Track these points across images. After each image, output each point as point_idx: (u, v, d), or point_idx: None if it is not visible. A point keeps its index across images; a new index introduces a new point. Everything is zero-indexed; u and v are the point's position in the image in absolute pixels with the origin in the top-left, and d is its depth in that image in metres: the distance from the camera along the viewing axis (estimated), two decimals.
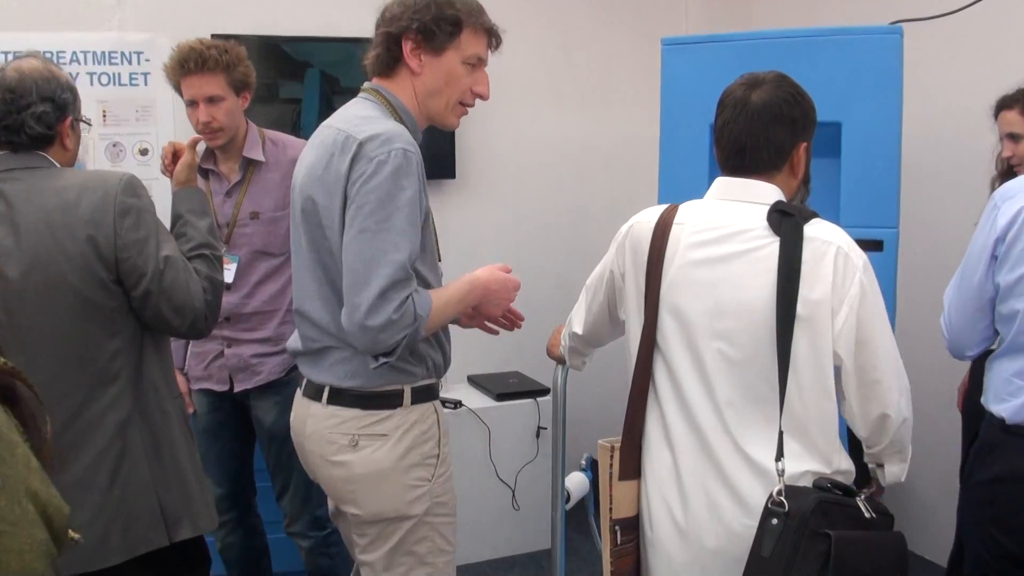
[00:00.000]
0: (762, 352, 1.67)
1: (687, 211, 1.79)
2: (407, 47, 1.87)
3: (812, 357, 1.66)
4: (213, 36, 3.28)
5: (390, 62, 1.90)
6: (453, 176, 3.76)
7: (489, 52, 1.95)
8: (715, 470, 1.69)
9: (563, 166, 4.10)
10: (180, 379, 2.77)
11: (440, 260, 2.02)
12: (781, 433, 1.63)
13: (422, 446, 1.90)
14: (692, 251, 1.74)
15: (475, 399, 3.63)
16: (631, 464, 1.80)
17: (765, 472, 1.65)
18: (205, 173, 2.69)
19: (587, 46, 4.09)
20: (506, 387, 3.69)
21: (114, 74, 3.47)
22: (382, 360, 1.80)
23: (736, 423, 1.68)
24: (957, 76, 3.22)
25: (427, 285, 1.89)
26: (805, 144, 1.79)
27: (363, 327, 1.73)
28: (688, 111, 2.86)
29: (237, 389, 2.71)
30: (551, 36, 4.03)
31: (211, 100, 2.54)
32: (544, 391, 3.64)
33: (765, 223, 1.69)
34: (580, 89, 4.10)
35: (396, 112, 1.89)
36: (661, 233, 1.77)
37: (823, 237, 1.68)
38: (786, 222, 1.67)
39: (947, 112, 3.25)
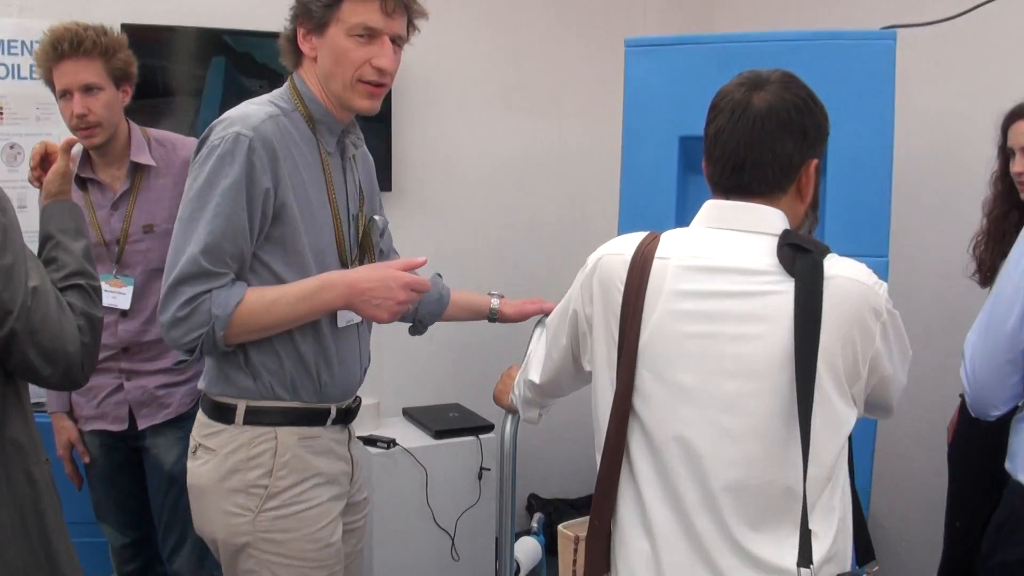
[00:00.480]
0: (772, 424, 1.35)
1: (672, 242, 1.46)
2: (300, 34, 1.78)
3: (830, 424, 1.36)
4: (125, 26, 2.92)
5: (293, 52, 1.81)
6: (389, 188, 3.39)
7: (392, 19, 1.75)
8: (707, 569, 1.36)
9: (511, 179, 3.74)
10: (66, 423, 2.39)
11: (354, 262, 1.86)
12: (807, 530, 1.30)
13: (246, 472, 1.75)
14: (680, 294, 1.41)
15: (411, 437, 3.27)
16: (599, 557, 1.46)
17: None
18: (83, 184, 2.32)
19: (538, 47, 3.75)
20: (445, 423, 3.33)
21: (12, 66, 3.05)
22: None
23: (734, 512, 1.35)
24: (945, 87, 2.95)
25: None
26: (816, 162, 1.48)
27: (159, 322, 1.70)
28: (654, 120, 2.54)
29: (142, 426, 2.36)
30: (498, 36, 3.68)
31: (87, 89, 2.21)
32: (487, 427, 3.29)
33: (773, 259, 1.38)
34: (530, 95, 3.76)
35: (302, 101, 1.79)
36: (640, 269, 1.44)
37: (846, 274, 1.38)
38: (802, 259, 1.36)
39: (935, 125, 2.98)
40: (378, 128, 3.33)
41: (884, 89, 2.37)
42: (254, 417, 1.76)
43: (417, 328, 2.20)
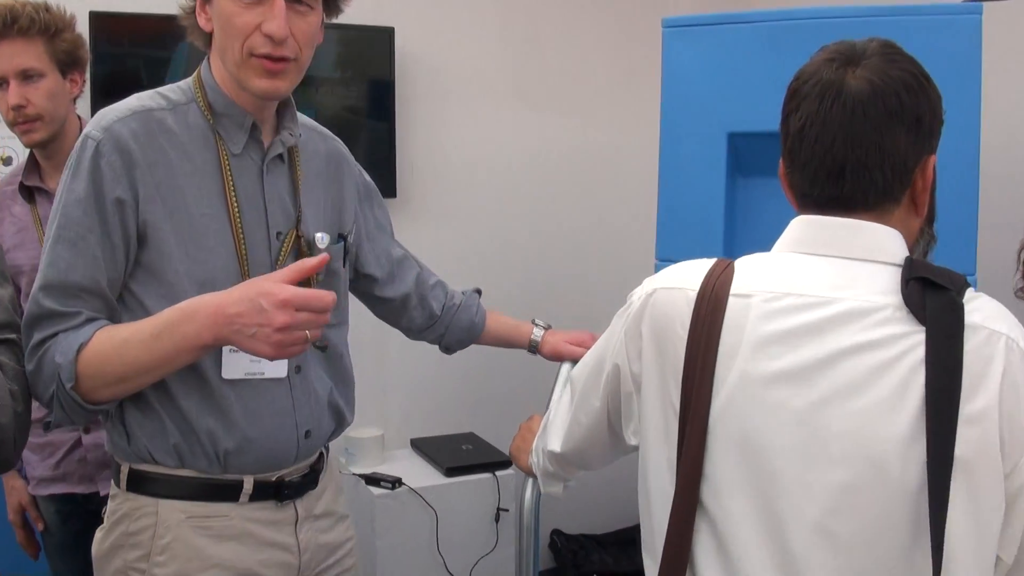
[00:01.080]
0: (892, 528, 0.99)
1: (752, 274, 1.11)
2: (198, 6, 1.43)
3: (972, 530, 0.99)
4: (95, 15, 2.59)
5: (200, 31, 1.45)
6: (394, 195, 3.02)
7: None
8: None
9: (530, 183, 3.37)
10: (16, 484, 2.06)
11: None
12: None
13: (126, 551, 1.43)
14: (768, 347, 1.05)
15: (419, 474, 2.90)
16: None
17: None
18: (30, 194, 1.98)
19: (557, 34, 3.38)
20: (458, 457, 2.97)
21: None
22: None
23: None
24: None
25: None
26: (933, 159, 1.12)
27: None
28: (698, 114, 2.17)
29: (104, 492, 1.97)
30: (512, 22, 3.31)
31: (25, 76, 1.87)
32: (505, 463, 2.93)
33: (895, 298, 1.03)
34: (550, 87, 3.38)
35: (203, 90, 1.45)
36: (710, 311, 1.08)
37: (989, 324, 1.02)
38: (934, 297, 1.01)
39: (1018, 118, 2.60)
40: (380, 127, 2.98)
41: (969, 76, 1.99)
42: (136, 484, 1.44)
43: (447, 351, 1.92)
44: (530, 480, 1.65)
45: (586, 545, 3.44)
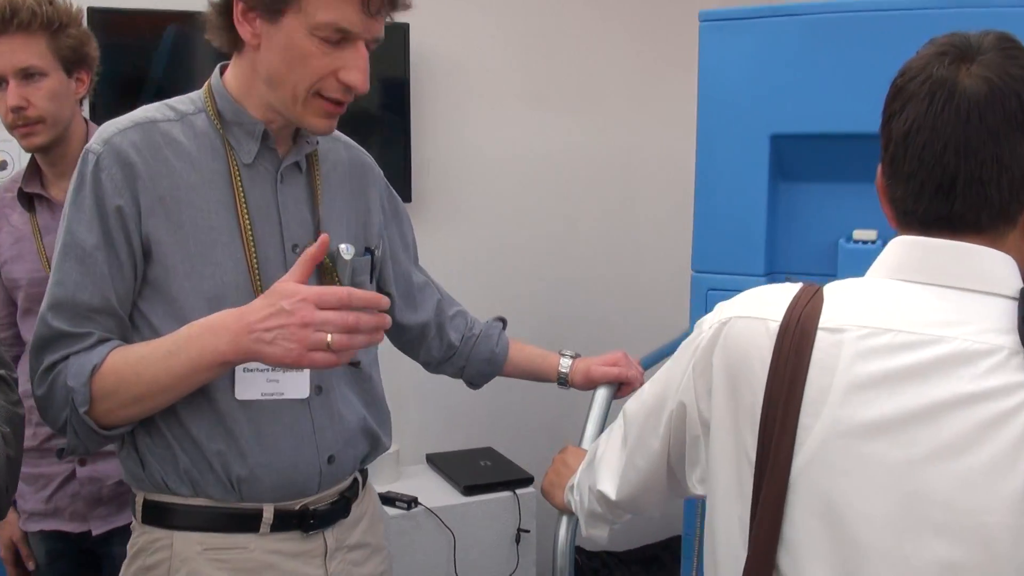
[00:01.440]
0: None
1: (844, 303, 0.96)
2: (239, 9, 1.29)
3: None
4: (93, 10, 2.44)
5: (228, 33, 1.33)
6: (408, 199, 2.86)
7: (374, 19, 1.29)
8: None
9: (551, 185, 3.21)
10: (9, 517, 1.92)
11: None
12: None
13: None
14: (864, 392, 0.90)
15: (435, 493, 2.76)
16: None
17: None
18: (30, 202, 1.85)
19: (579, 29, 3.21)
20: (476, 475, 2.82)
21: None
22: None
23: None
24: None
25: None
26: None
27: None
28: (738, 114, 2.02)
29: (97, 531, 1.86)
30: (531, 17, 3.15)
31: (25, 75, 1.73)
32: (526, 480, 2.79)
33: (1011, 338, 0.88)
34: (571, 86, 3.22)
35: (212, 97, 1.36)
36: (796, 347, 0.94)
37: None
38: None
39: None
40: (394, 127, 2.83)
41: None
42: (152, 515, 1.36)
43: (471, 385, 1.78)
44: (564, 518, 1.49)
45: (608, 563, 3.29)
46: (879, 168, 1.05)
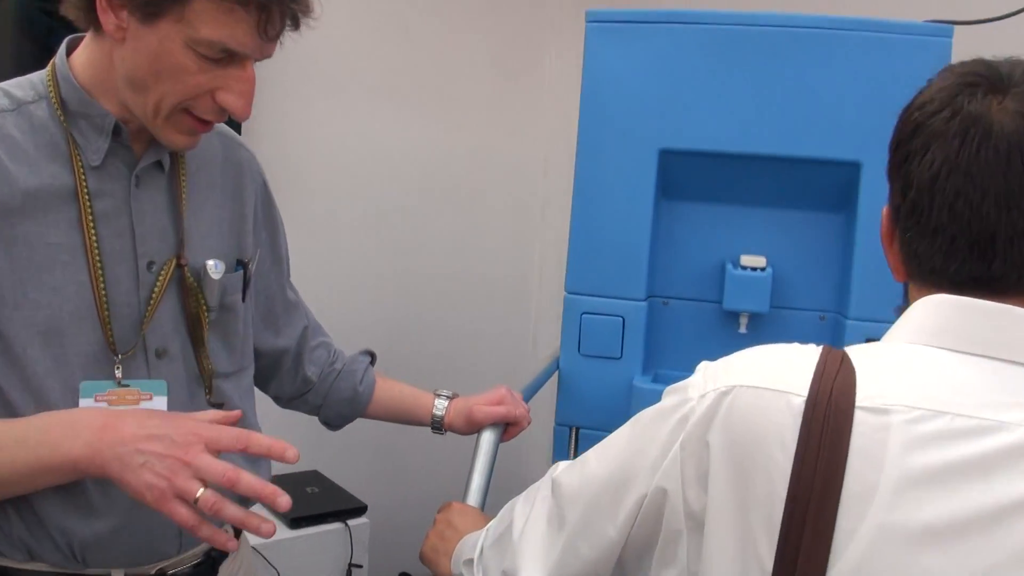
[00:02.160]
0: None
1: (881, 374, 0.79)
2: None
3: None
4: None
5: (86, 11, 1.05)
6: None
7: (271, 42, 1.06)
8: None
9: (400, 189, 2.94)
10: None
11: (132, 353, 1.10)
12: None
13: None
14: (917, 487, 0.73)
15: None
16: None
17: None
18: None
19: (435, 26, 2.97)
20: (303, 504, 2.52)
21: None
22: None
23: None
24: None
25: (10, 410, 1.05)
26: None
27: None
28: (624, 126, 1.86)
29: None
30: (383, 8, 2.88)
31: None
32: (359, 509, 2.53)
33: None
34: (428, 82, 2.96)
35: (55, 81, 1.09)
36: (834, 431, 0.75)
37: None
38: None
39: None
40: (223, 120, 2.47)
41: None
42: None
43: (328, 426, 1.55)
44: None
45: None
46: (884, 212, 0.91)
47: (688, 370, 1.93)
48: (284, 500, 0.96)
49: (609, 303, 1.89)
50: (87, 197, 1.07)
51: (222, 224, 1.23)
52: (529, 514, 1.05)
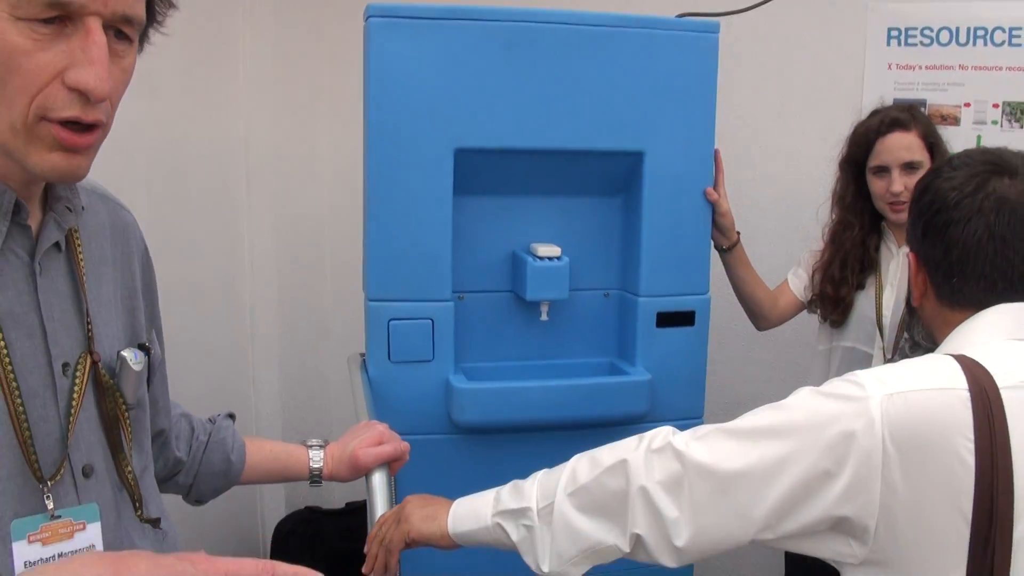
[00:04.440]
0: None
1: (1001, 362, 1.04)
2: None
3: None
4: None
5: None
6: None
7: None
8: None
9: (142, 184, 2.59)
10: None
11: (59, 476, 0.89)
12: None
13: None
14: None
15: None
16: None
17: None
18: None
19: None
20: None
21: None
22: None
23: None
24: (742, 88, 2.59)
25: None
26: None
27: None
28: (418, 124, 1.81)
29: None
30: None
31: None
32: None
33: None
34: (171, 65, 2.52)
35: None
36: (999, 412, 0.98)
37: None
38: None
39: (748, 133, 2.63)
40: None
41: (706, 93, 1.92)
42: None
43: (199, 503, 1.35)
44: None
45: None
46: (912, 258, 1.20)
47: (498, 361, 1.98)
48: None
49: (416, 306, 1.87)
50: None
51: (118, 304, 1.04)
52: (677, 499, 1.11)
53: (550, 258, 1.90)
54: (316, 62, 2.89)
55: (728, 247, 2.10)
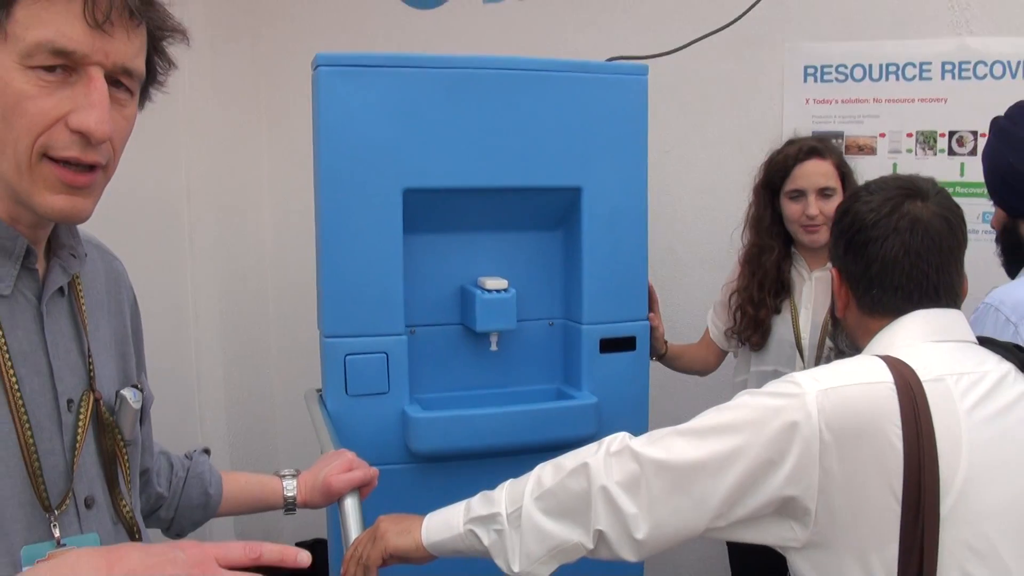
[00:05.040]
0: None
1: (921, 360, 1.18)
2: None
3: None
4: None
5: None
6: None
7: (106, 35, 0.89)
8: None
9: (83, 230, 2.61)
10: None
11: (65, 505, 0.96)
12: None
13: None
14: (978, 419, 1.15)
15: None
16: None
17: None
18: None
19: None
20: None
21: None
22: None
23: None
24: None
25: None
26: None
27: None
28: (368, 166, 1.90)
29: None
30: None
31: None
32: None
33: (1007, 364, 1.23)
34: None
35: None
36: (922, 401, 1.12)
37: None
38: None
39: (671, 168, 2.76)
40: None
41: (638, 130, 2.05)
42: None
43: (178, 536, 1.39)
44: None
45: None
46: (835, 273, 1.35)
47: (450, 390, 2.07)
48: (304, 556, 0.90)
49: (371, 341, 1.94)
50: (1, 335, 0.93)
51: (112, 348, 1.11)
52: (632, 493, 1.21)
53: (497, 290, 2.00)
54: (255, 109, 2.98)
55: (660, 356, 2.29)
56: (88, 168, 0.90)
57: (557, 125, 1.97)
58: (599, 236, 2.04)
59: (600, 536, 1.21)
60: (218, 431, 2.91)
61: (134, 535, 1.06)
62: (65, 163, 0.89)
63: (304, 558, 0.89)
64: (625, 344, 2.08)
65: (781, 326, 2.17)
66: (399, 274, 1.94)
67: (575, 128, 1.98)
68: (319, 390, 2.03)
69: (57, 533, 0.95)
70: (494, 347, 2.05)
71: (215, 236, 2.90)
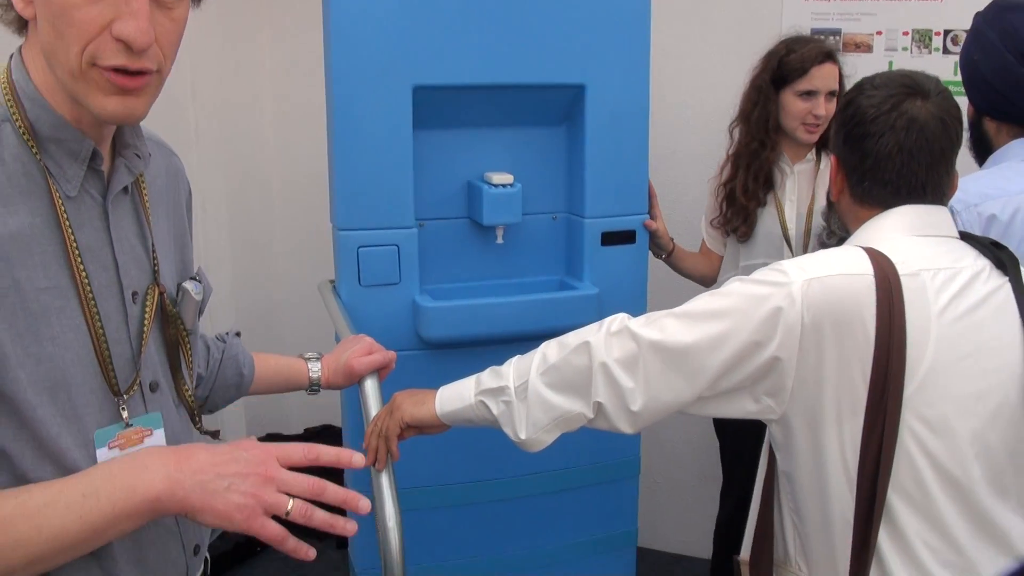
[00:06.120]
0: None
1: (901, 253, 1.26)
2: None
3: None
4: None
5: (6, 9, 0.98)
6: None
7: None
8: None
9: None
10: None
11: (134, 389, 1.05)
12: None
13: None
14: (949, 314, 1.24)
15: None
16: None
17: None
18: None
19: None
20: None
21: None
22: None
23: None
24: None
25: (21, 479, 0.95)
26: None
27: None
28: (378, 64, 1.95)
29: None
30: None
31: None
32: None
33: (984, 260, 1.30)
34: None
35: (17, 101, 0.98)
36: (897, 295, 1.21)
37: None
38: (1003, 255, 1.31)
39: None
40: None
41: (640, 30, 2.09)
42: None
43: (211, 412, 1.48)
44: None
45: None
46: (833, 161, 1.40)
47: (458, 281, 2.16)
48: (364, 503, 1.00)
49: (383, 234, 2.02)
50: (71, 232, 0.98)
51: (171, 242, 1.18)
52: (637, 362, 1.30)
53: (504, 185, 2.07)
54: (258, 4, 2.99)
55: (668, 254, 2.35)
56: (137, 73, 0.95)
57: (562, 23, 2.01)
58: (602, 133, 2.10)
59: (599, 408, 1.32)
60: (227, 320, 3.02)
61: (194, 417, 1.16)
62: (114, 71, 0.93)
63: (364, 505, 1.00)
64: (625, 237, 2.17)
65: (768, 219, 2.27)
66: (409, 169, 2.01)
67: (579, 26, 2.02)
68: (332, 281, 2.12)
69: (125, 415, 1.04)
70: (500, 240, 2.14)
71: (219, 132, 2.95)
